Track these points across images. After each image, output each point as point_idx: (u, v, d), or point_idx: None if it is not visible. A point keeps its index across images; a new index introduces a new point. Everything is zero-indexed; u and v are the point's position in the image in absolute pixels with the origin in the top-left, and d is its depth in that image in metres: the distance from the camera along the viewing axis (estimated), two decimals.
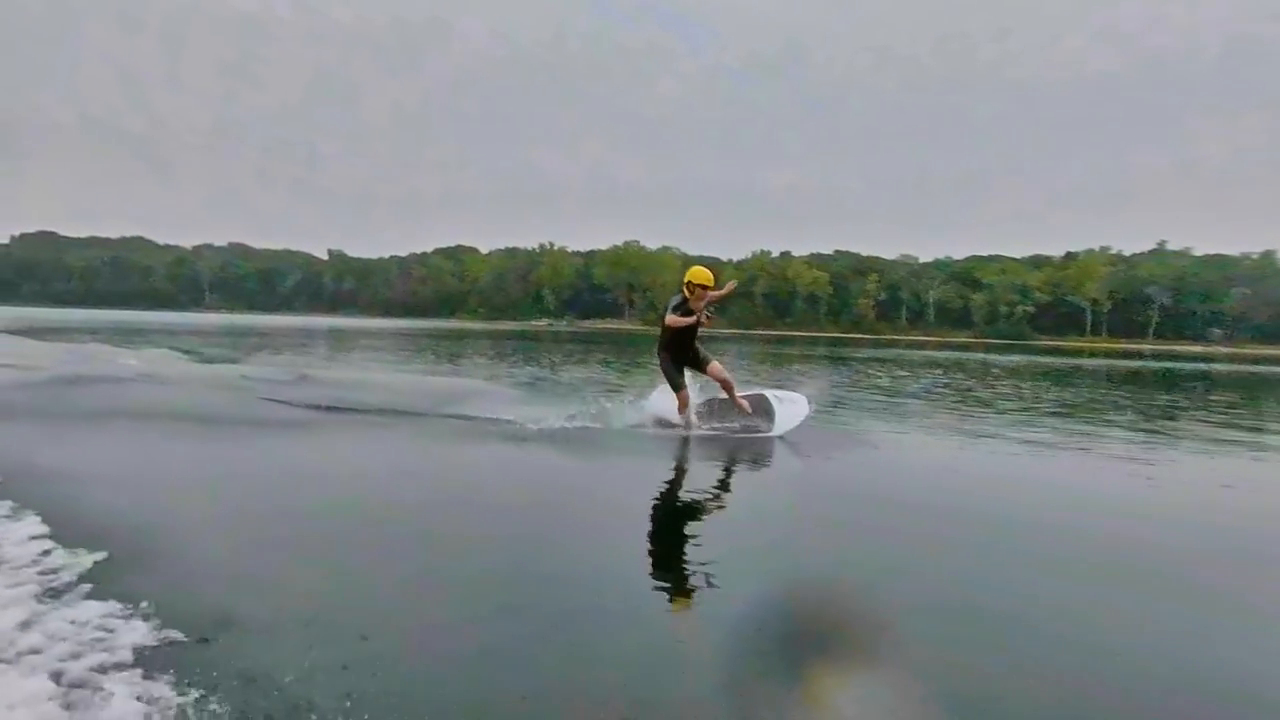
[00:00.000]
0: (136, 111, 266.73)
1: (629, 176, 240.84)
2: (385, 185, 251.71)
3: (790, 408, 7.56)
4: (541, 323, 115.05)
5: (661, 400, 7.76)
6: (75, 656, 2.31)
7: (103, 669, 2.24)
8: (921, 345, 60.38)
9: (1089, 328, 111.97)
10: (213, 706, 2.07)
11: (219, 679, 2.21)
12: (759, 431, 7.28)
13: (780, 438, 7.21)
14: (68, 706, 2.06)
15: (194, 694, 2.12)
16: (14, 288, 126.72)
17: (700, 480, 5.75)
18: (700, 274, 7.05)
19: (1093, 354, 51.67)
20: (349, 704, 2.11)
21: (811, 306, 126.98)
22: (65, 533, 3.36)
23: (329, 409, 8.00)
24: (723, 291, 7.02)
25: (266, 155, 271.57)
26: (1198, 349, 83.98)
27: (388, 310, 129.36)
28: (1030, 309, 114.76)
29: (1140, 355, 53.13)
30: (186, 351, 18.06)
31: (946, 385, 15.77)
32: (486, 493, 5.02)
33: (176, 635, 2.46)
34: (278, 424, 7.20)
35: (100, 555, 3.11)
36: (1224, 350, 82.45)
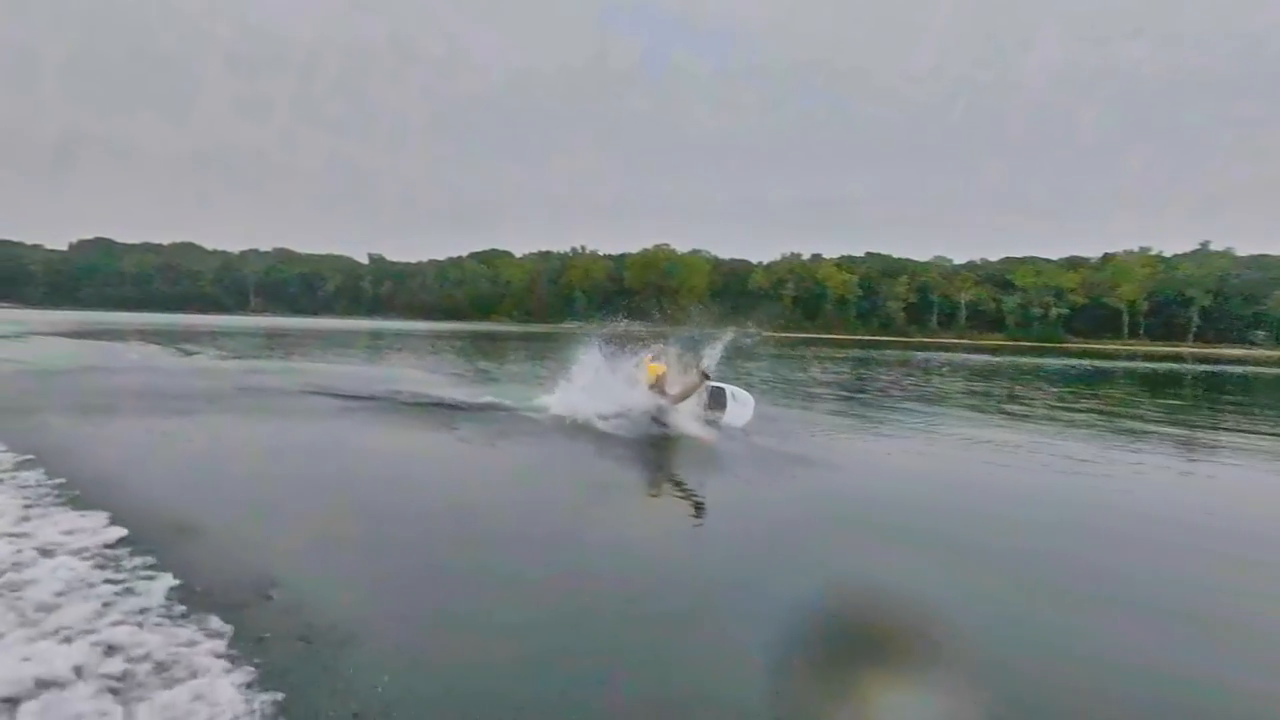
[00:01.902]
0: (189, 129, 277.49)
1: (660, 190, 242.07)
2: (425, 191, 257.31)
3: (740, 407, 8.51)
4: (572, 324, 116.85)
5: (569, 397, 8.82)
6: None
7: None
8: (949, 348, 58.97)
9: (1126, 330, 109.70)
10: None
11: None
12: (715, 421, 8.24)
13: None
14: None
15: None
16: (72, 292, 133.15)
17: (608, 469, 6.60)
18: (655, 370, 8.13)
19: (1100, 355, 51.22)
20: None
21: (841, 309, 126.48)
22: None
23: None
24: (694, 384, 7.99)
25: (313, 163, 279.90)
26: (1239, 352, 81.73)
27: (424, 313, 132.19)
28: (1064, 311, 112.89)
29: (1180, 359, 51.99)
30: (200, 349, 20.05)
31: (862, 377, 16.90)
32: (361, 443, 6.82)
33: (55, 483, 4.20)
34: (197, 399, 9.29)
35: (27, 457, 5.28)
36: (1265, 353, 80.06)
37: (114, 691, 2.34)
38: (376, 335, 38.49)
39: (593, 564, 3.89)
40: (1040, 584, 3.82)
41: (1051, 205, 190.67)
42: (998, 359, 34.16)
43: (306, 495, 5.09)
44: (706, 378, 7.75)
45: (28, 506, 4.19)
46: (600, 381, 8.55)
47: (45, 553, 3.49)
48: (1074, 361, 35.45)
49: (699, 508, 5.19)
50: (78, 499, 4.35)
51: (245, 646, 2.67)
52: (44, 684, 2.34)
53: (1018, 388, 16.40)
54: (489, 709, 2.34)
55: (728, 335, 8.54)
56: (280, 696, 2.32)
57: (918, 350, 45.70)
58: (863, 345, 56.44)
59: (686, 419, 7.97)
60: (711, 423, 8.17)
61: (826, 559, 4.16)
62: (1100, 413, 11.36)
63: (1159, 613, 3.47)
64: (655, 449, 7.18)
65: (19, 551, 3.47)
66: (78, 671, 2.41)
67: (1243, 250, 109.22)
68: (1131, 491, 6.12)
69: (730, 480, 6.10)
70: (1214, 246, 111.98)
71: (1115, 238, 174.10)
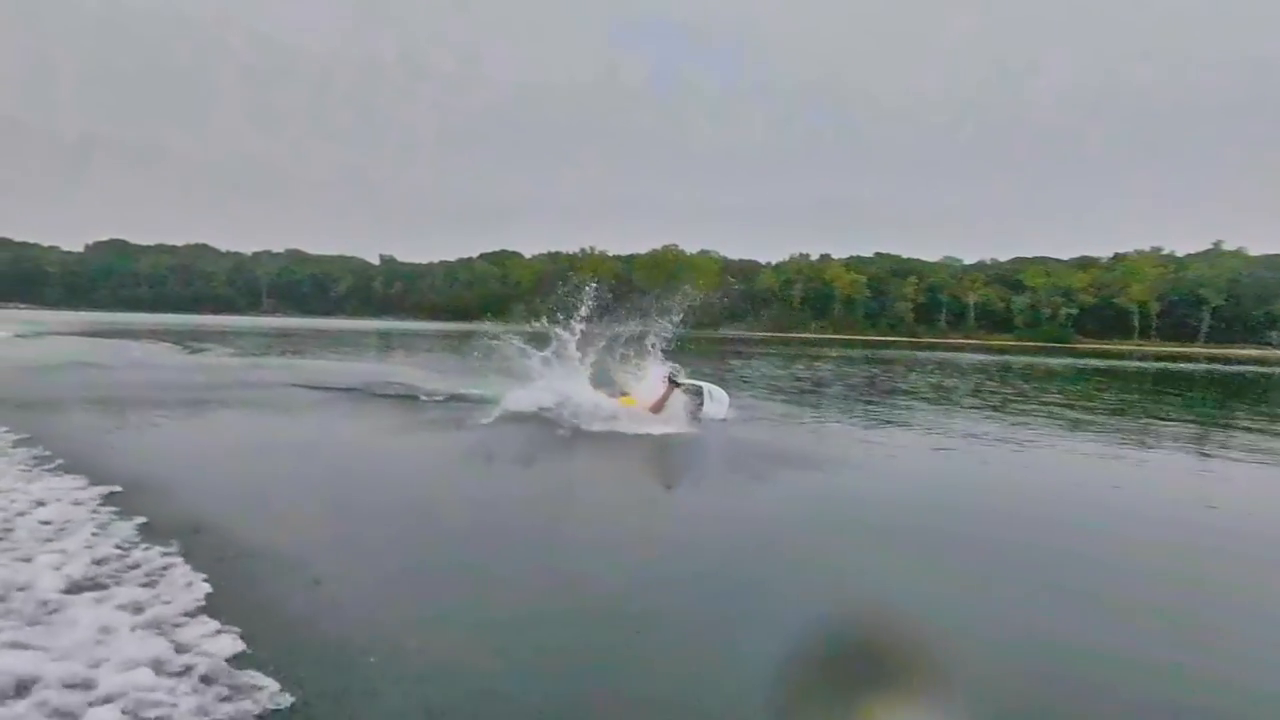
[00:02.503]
0: (203, 135, 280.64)
1: (668, 195, 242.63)
2: (435, 202, 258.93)
3: (716, 405, 9.05)
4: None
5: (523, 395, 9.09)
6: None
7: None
8: (957, 348, 58.00)
9: (1137, 331, 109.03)
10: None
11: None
12: (695, 415, 8.66)
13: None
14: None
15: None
16: (87, 293, 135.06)
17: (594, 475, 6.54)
18: (629, 402, 8.57)
19: (1096, 355, 51.16)
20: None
21: (849, 309, 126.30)
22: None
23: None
24: (664, 394, 8.38)
25: (324, 174, 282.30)
26: (1253, 352, 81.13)
27: (434, 314, 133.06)
28: (1073, 312, 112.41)
29: (1191, 359, 51.61)
30: (208, 347, 20.68)
31: (843, 375, 17.41)
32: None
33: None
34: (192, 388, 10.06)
35: (24, 435, 5.83)
36: (1278, 354, 79.41)
37: (80, 589, 2.82)
38: (384, 335, 39.26)
39: (572, 559, 3.87)
40: (936, 561, 4.22)
41: (1060, 213, 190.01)
42: (994, 358, 34.41)
43: (281, 470, 5.65)
44: (676, 385, 8.19)
45: (23, 471, 4.70)
46: (550, 373, 9.01)
47: (36, 503, 4.00)
48: (1072, 361, 35.62)
49: (676, 501, 5.48)
50: (69, 467, 4.85)
51: (200, 563, 3.16)
52: (25, 588, 2.82)
53: (989, 383, 16.74)
54: (477, 705, 2.32)
55: (668, 328, 8.99)
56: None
57: (923, 351, 45.80)
58: (867, 345, 56.19)
59: (674, 415, 8.38)
60: (690, 418, 8.58)
61: (807, 549, 4.25)
62: (1054, 406, 11.78)
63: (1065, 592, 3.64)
64: (630, 444, 7.33)
65: (14, 501, 3.98)
66: (52, 577, 2.91)
67: (1255, 250, 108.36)
68: (1038, 477, 6.59)
69: (704, 473, 6.56)
70: (1226, 246, 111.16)
71: (1126, 238, 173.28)
